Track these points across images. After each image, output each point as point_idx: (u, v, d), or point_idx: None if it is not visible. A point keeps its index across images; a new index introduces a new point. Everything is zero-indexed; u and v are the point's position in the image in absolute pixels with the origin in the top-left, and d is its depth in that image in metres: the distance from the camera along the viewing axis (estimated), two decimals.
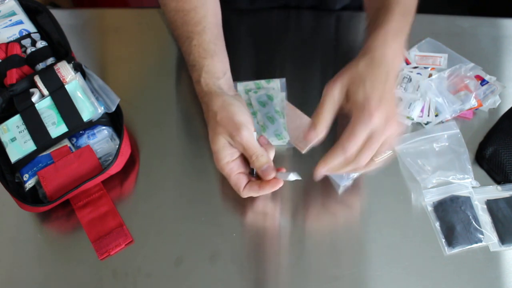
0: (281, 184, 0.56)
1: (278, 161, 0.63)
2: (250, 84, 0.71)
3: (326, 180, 0.63)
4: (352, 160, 0.52)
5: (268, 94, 0.69)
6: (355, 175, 0.62)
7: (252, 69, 0.75)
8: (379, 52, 0.53)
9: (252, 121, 0.58)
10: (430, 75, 0.70)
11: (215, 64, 0.61)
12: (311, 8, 0.81)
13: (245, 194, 0.57)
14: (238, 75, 0.72)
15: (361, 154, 0.51)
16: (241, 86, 0.71)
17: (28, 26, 0.69)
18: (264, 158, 0.56)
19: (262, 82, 0.71)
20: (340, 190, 0.62)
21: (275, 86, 0.70)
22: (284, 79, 0.71)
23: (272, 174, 0.56)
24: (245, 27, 0.81)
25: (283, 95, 0.69)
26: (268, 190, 0.57)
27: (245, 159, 0.58)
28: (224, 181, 0.63)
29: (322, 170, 0.53)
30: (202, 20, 0.63)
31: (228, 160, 0.56)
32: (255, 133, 0.58)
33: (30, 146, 0.60)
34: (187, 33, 0.63)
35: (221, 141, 0.56)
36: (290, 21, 0.81)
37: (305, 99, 0.70)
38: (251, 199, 0.61)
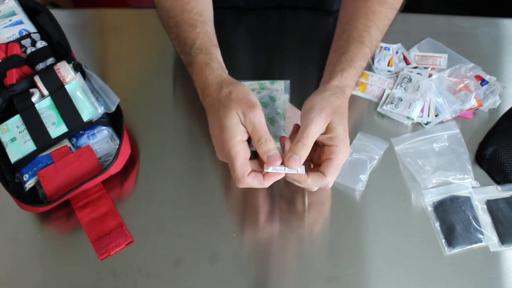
0: (283, 175, 0.55)
1: None
2: (254, 84, 0.71)
3: None
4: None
5: (270, 95, 0.69)
6: (366, 179, 0.62)
7: (250, 69, 0.75)
8: (348, 91, 0.60)
9: None
10: (430, 75, 0.70)
11: (219, 55, 0.62)
12: (308, 9, 0.81)
13: (246, 181, 0.54)
14: (236, 74, 0.72)
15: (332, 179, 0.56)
16: (245, 85, 0.70)
17: (28, 26, 0.69)
18: (271, 144, 0.53)
19: (266, 83, 0.71)
20: (357, 195, 0.62)
21: (279, 88, 0.70)
22: (288, 81, 0.71)
23: (277, 163, 0.53)
24: (242, 26, 0.81)
25: (286, 97, 0.69)
26: (271, 181, 0.55)
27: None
28: (224, 181, 0.63)
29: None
30: (203, 12, 0.63)
31: (240, 139, 0.53)
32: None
33: (30, 146, 0.60)
34: (190, 20, 0.62)
35: (235, 117, 0.53)
36: (287, 22, 0.81)
37: (304, 99, 0.69)
38: (251, 199, 0.61)
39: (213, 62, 0.60)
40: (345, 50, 0.62)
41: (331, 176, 0.54)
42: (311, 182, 0.55)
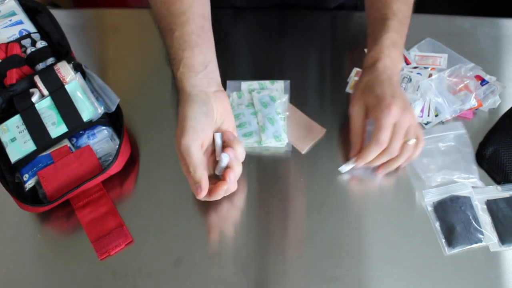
0: (221, 196, 0.56)
1: (278, 162, 0.64)
2: (254, 84, 0.71)
3: (326, 180, 0.63)
4: (386, 150, 0.59)
5: (271, 95, 0.69)
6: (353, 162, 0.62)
7: (250, 69, 0.75)
8: (380, 63, 0.61)
9: (213, 129, 0.57)
10: (430, 75, 0.70)
11: (195, 57, 0.58)
12: (307, 7, 0.81)
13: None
14: (236, 74, 0.73)
15: (392, 142, 0.58)
16: (245, 85, 0.71)
17: (28, 26, 0.69)
18: (197, 175, 0.53)
19: (266, 83, 0.71)
20: (358, 195, 0.62)
21: (279, 88, 0.70)
22: (288, 81, 0.71)
23: (201, 195, 0.54)
24: (242, 26, 0.81)
25: (286, 97, 0.69)
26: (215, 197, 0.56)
27: (214, 161, 0.58)
28: None
29: (360, 164, 0.60)
30: (187, 10, 0.60)
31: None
32: (218, 134, 0.57)
33: (30, 146, 0.60)
34: (170, 25, 0.60)
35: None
36: (286, 20, 0.81)
37: (304, 98, 0.70)
38: (251, 199, 0.61)
39: (179, 72, 0.57)
40: (368, 34, 0.66)
41: (376, 134, 0.58)
42: (365, 153, 0.59)
